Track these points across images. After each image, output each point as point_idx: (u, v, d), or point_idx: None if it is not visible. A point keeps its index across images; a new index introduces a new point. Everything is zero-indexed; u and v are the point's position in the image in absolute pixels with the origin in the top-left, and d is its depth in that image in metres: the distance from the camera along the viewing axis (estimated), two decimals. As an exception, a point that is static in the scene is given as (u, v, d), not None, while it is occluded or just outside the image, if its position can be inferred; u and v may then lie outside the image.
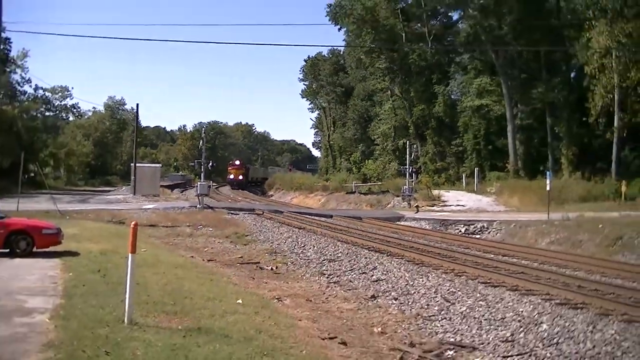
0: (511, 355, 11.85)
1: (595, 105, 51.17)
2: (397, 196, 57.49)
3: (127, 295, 10.49)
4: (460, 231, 35.42)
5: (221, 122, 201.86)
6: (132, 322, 10.37)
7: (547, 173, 41.06)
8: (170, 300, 12.76)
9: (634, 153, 57.95)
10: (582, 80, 57.75)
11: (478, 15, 67.02)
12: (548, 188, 36.70)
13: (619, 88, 50.56)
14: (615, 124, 52.05)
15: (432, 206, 49.94)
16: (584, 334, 12.04)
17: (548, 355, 11.68)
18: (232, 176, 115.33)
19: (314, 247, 26.20)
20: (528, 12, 62.91)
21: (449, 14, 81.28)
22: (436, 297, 15.80)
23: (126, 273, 10.76)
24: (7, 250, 18.27)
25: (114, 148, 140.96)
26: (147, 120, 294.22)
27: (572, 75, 68.00)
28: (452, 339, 12.47)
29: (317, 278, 19.41)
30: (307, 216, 42.79)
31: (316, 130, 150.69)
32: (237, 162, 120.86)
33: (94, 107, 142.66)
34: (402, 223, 39.74)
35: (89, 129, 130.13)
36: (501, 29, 65.82)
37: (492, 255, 24.43)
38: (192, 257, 22.61)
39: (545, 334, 12.33)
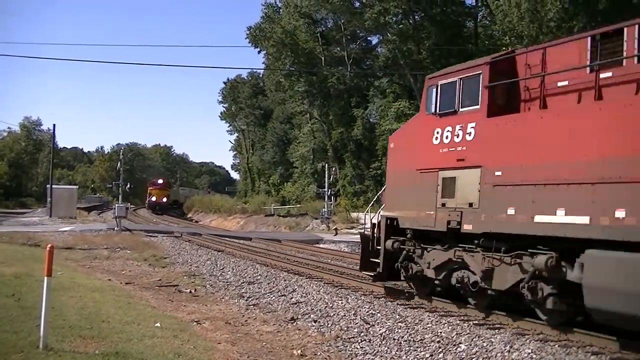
0: (430, 377, 11.97)
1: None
2: (316, 219, 57.77)
3: (42, 320, 10.27)
4: (379, 253, 35.61)
5: (139, 144, 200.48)
6: (48, 348, 10.15)
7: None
8: (87, 324, 12.55)
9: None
10: (498, 104, 58.87)
11: (397, 40, 67.83)
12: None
13: (534, 112, 51.66)
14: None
15: (351, 229, 50.23)
16: (501, 354, 12.19)
17: (466, 375, 11.84)
18: (154, 198, 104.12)
19: (233, 269, 26.06)
20: (446, 38, 63.95)
21: (368, 38, 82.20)
22: (355, 319, 15.81)
23: (41, 297, 10.56)
24: None
25: (29, 169, 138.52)
26: (64, 141, 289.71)
27: (489, 99, 69.28)
28: (371, 361, 12.50)
29: (236, 301, 19.30)
30: (226, 239, 42.70)
31: (235, 152, 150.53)
32: (160, 182, 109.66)
33: (9, 128, 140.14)
34: (321, 245, 39.89)
35: (4, 149, 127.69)
36: (419, 53, 66.74)
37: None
38: (110, 280, 22.29)
39: (464, 354, 12.44)
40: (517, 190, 14.34)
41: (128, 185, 68.70)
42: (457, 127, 16.39)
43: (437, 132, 17.01)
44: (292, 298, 19.35)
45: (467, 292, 16.15)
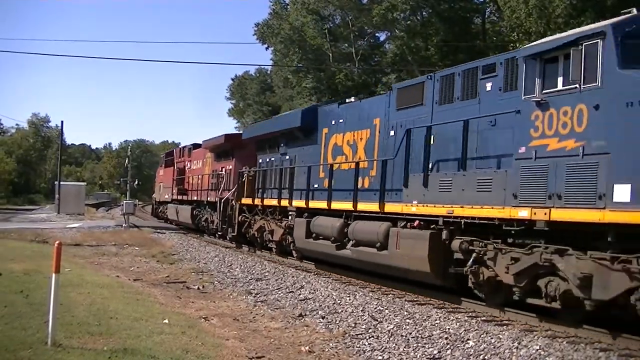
0: (438, 373, 11.97)
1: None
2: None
3: (51, 316, 10.29)
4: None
5: (147, 141, 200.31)
6: (56, 344, 10.17)
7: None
8: (95, 320, 12.58)
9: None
10: (506, 100, 58.74)
11: (405, 36, 67.70)
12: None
13: (542, 109, 51.56)
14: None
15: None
16: (509, 350, 12.17)
17: (474, 372, 11.84)
18: None
19: (241, 266, 26.09)
20: (454, 34, 63.80)
21: (376, 34, 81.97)
22: (364, 315, 15.80)
23: (50, 293, 10.57)
24: None
25: (38, 166, 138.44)
26: (72, 137, 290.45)
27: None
28: (379, 357, 12.46)
29: (244, 297, 19.30)
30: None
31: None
32: None
33: (17, 124, 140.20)
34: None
35: (12, 146, 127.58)
36: (427, 49, 66.61)
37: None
38: (118, 276, 22.34)
39: (472, 350, 12.41)
40: (165, 188, 54.98)
41: (136, 182, 68.93)
42: (164, 170, 56.71)
43: (161, 171, 58.68)
44: (300, 294, 19.35)
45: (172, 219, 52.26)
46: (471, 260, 15.47)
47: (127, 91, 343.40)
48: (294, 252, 27.02)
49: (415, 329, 14.19)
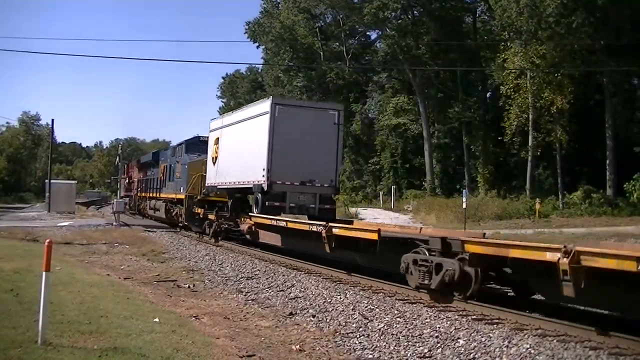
0: (429, 371, 11.99)
1: (510, 125, 52.36)
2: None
3: (41, 315, 10.25)
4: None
5: (138, 139, 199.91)
6: (46, 343, 10.13)
7: (463, 191, 41.96)
8: (85, 319, 12.54)
9: (547, 171, 59.28)
10: (497, 100, 59.09)
11: (396, 35, 67.77)
12: (464, 206, 37.34)
13: (533, 108, 51.79)
14: (530, 143, 53.18)
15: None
16: (499, 349, 12.18)
17: (465, 370, 11.86)
18: None
19: (232, 264, 26.02)
20: (445, 33, 63.96)
21: (367, 33, 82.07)
22: (354, 314, 15.78)
23: (40, 292, 10.54)
24: None
25: (28, 164, 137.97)
26: (62, 136, 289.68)
27: (488, 95, 69.47)
28: (370, 356, 12.46)
29: (234, 296, 19.28)
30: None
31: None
32: None
33: (7, 122, 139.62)
34: (320, 241, 39.85)
35: (3, 144, 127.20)
36: (418, 49, 66.75)
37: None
38: (108, 275, 22.29)
39: (462, 349, 12.41)
40: (121, 188, 68.77)
41: (127, 180, 69.18)
42: (123, 175, 69.48)
43: (123, 176, 69.37)
44: (290, 293, 19.33)
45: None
46: (175, 212, 42.33)
47: (118, 89, 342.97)
48: (153, 218, 51.10)
49: (405, 327, 14.18)
